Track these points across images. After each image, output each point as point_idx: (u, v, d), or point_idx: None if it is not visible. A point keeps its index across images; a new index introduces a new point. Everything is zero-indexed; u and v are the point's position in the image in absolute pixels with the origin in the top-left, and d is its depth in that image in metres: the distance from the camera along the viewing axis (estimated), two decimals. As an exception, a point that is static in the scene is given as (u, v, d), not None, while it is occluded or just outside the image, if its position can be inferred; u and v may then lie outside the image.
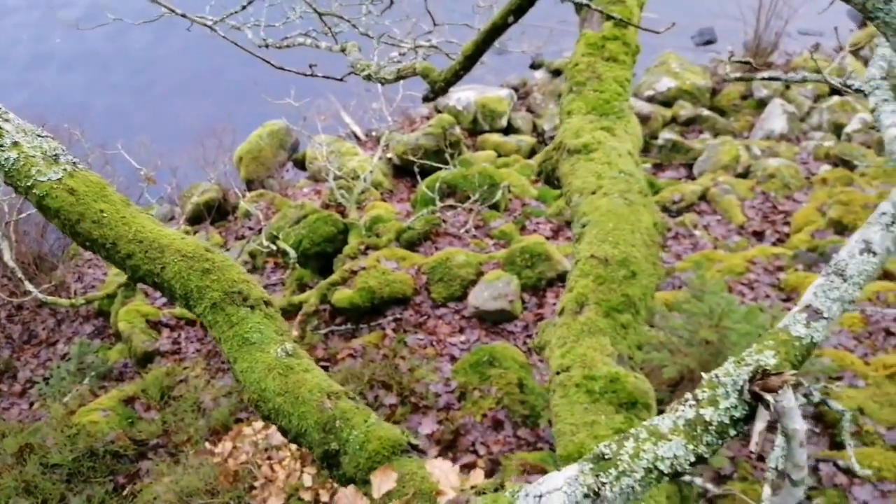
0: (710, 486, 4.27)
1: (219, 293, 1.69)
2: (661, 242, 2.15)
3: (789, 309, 5.41)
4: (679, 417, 1.05)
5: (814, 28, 13.13)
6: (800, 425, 1.02)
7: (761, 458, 4.63)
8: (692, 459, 1.03)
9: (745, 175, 8.12)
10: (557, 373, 1.92)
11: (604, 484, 1.01)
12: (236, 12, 3.18)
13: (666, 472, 1.02)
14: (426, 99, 4.05)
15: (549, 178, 2.53)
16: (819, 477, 4.36)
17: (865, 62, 11.45)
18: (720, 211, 7.44)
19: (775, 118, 9.22)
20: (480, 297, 6.42)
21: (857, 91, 1.87)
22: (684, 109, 9.80)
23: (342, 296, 6.41)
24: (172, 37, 12.63)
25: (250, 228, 8.87)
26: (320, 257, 7.19)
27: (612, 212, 2.13)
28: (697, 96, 10.17)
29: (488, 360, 5.59)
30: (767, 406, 1.01)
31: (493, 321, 6.30)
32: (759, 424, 1.02)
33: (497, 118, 10.74)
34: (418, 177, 8.48)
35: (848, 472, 4.38)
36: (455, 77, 3.85)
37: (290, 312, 6.75)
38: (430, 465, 1.41)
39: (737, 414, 1.04)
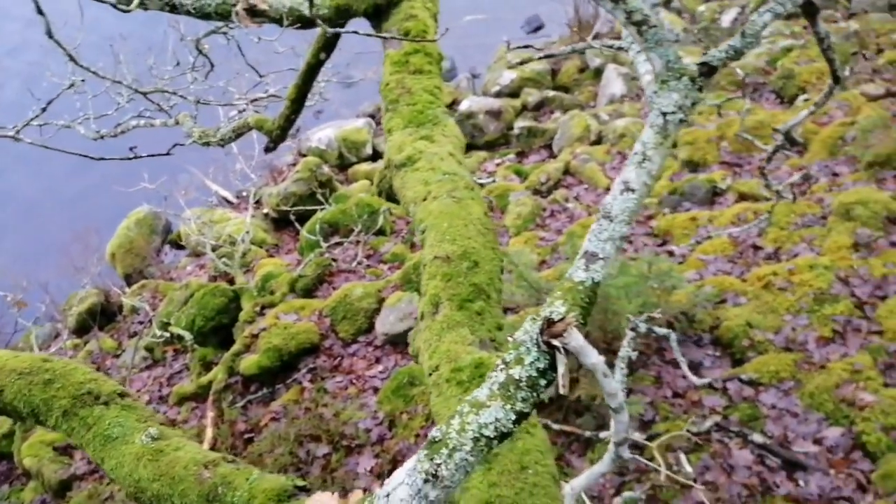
0: (637, 434, 4.47)
1: (67, 400, 1.65)
2: (495, 228, 2.28)
3: (669, 253, 5.71)
4: (494, 383, 1.14)
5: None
6: (595, 359, 1.13)
7: (677, 395, 4.90)
8: (513, 418, 1.12)
9: (599, 141, 8.57)
10: (430, 374, 2.00)
11: (439, 465, 1.08)
12: (37, 116, 3.09)
13: (492, 436, 1.11)
14: (267, 150, 4.08)
15: (389, 195, 2.61)
16: (729, 395, 4.66)
17: (678, 13, 12.33)
18: (585, 180, 7.82)
19: (613, 82, 9.80)
20: (387, 323, 6.46)
21: (619, 49, 2.04)
22: (531, 96, 10.24)
23: (249, 363, 6.28)
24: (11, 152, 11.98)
25: (140, 323, 8.52)
26: (218, 331, 7.01)
27: (444, 212, 2.24)
28: (540, 80, 10.65)
29: (409, 382, 5.64)
30: (561, 350, 1.11)
31: (406, 342, 6.35)
32: (561, 368, 1.12)
33: (361, 148, 10.84)
34: (297, 224, 8.43)
35: (752, 383, 4.71)
36: (288, 122, 3.89)
37: (201, 395, 6.54)
38: (310, 502, 1.45)
39: (541, 365, 1.13)
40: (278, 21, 3.08)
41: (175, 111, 5.23)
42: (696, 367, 4.88)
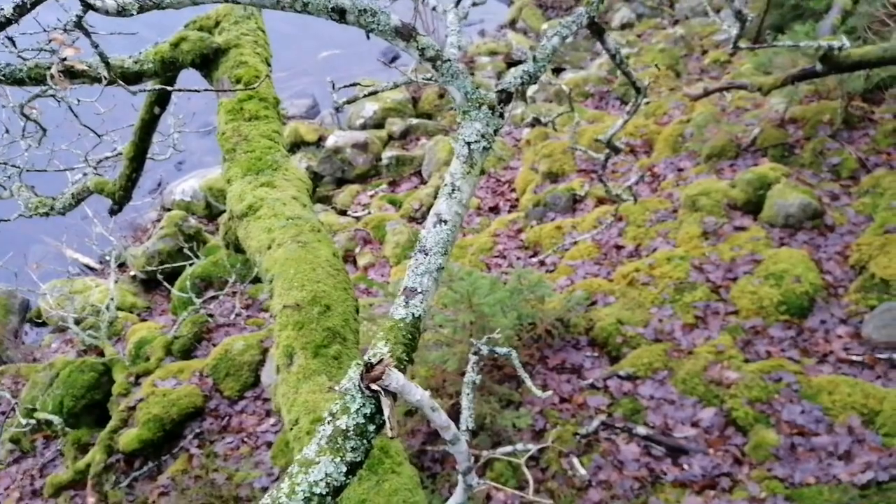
0: (531, 445, 4.55)
1: None
2: (345, 267, 2.26)
3: (541, 263, 5.86)
4: (321, 438, 1.12)
5: (476, 18, 14.57)
6: (420, 395, 1.13)
7: (564, 400, 5.04)
8: (344, 470, 1.09)
9: (465, 162, 8.77)
10: (291, 429, 1.94)
11: (270, 534, 1.04)
12: None
13: (325, 492, 1.08)
14: (112, 213, 3.86)
15: (237, 246, 2.53)
16: (611, 393, 4.84)
17: (524, 32, 12.89)
18: (456, 201, 7.96)
19: (472, 104, 10.08)
20: (273, 374, 6.25)
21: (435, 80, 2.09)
22: (395, 125, 10.35)
23: (129, 438, 5.87)
24: None
25: (3, 413, 7.78)
26: (91, 409, 6.51)
27: (290, 259, 2.20)
28: (402, 109, 10.80)
29: (302, 430, 5.46)
30: (382, 393, 1.11)
31: (295, 390, 6.15)
32: (386, 411, 1.11)
33: (229, 195, 10.51)
34: (167, 283, 8.03)
35: (629, 378, 4.92)
36: (130, 182, 3.72)
37: (79, 481, 6.04)
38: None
39: (367, 411, 1.12)
40: (100, 80, 2.94)
41: (13, 182, 4.91)
42: (578, 370, 5.05)
